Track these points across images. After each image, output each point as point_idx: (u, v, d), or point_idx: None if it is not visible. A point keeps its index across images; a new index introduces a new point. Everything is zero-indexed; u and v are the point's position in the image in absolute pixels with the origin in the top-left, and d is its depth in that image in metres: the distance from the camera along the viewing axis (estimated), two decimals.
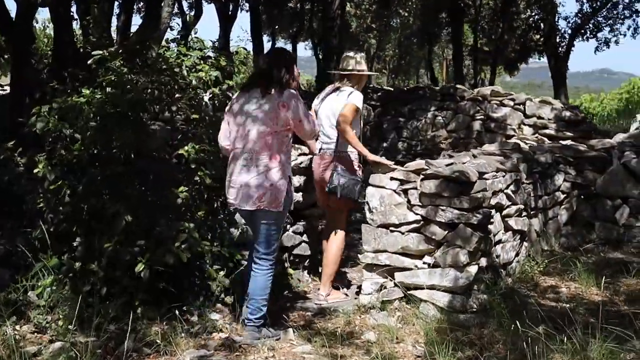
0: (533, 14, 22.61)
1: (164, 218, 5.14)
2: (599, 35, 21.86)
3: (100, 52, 5.18)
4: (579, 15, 21.66)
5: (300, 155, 6.61)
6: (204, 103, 5.62)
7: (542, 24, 21.84)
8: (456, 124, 11.31)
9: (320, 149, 6.05)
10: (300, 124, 4.92)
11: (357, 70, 6.02)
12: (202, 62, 5.66)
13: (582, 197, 7.47)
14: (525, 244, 6.48)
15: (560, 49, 21.37)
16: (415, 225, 5.54)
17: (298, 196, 6.48)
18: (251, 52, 18.36)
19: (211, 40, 5.84)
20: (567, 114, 10.63)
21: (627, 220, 7.30)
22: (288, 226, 6.43)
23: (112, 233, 5.04)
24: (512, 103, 11.16)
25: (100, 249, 5.00)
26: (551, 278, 6.43)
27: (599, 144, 7.50)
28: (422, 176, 5.53)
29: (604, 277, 6.11)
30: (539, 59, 23.54)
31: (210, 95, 5.73)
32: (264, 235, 5.01)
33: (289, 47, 37.65)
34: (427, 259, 5.51)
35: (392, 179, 5.69)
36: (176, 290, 5.33)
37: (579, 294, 6.01)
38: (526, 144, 10.90)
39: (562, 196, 7.25)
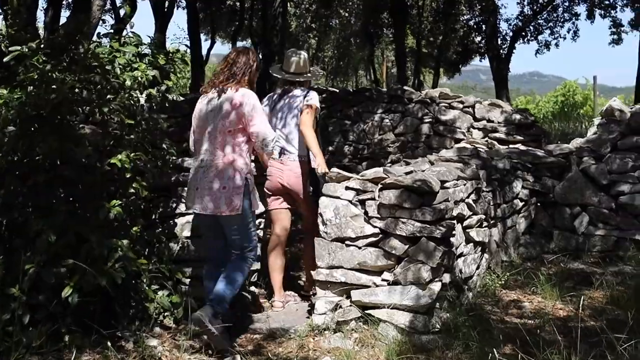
0: (475, 15, 22.56)
1: (94, 235, 4.56)
2: (540, 37, 22.01)
3: (19, 47, 4.56)
4: (520, 17, 21.72)
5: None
6: (139, 106, 5.05)
7: (483, 26, 21.80)
8: (404, 127, 10.93)
9: (281, 154, 5.82)
10: (251, 125, 4.84)
11: (306, 71, 5.88)
12: (138, 59, 5.09)
13: (540, 205, 7.16)
14: (485, 255, 6.11)
15: (501, 51, 21.36)
16: (373, 239, 5.10)
17: None
18: (188, 51, 17.69)
19: (149, 36, 5.27)
20: (517, 117, 10.35)
21: (586, 228, 7.03)
22: None
23: (35, 252, 4.44)
24: (461, 106, 10.85)
25: (22, 270, 4.39)
26: (513, 292, 6.09)
27: (557, 150, 7.21)
28: (380, 186, 5.10)
29: (566, 291, 5.83)
30: (480, 61, 23.54)
31: (147, 97, 5.17)
32: (233, 237, 4.97)
33: (227, 47, 36.85)
34: (386, 275, 5.08)
35: (347, 188, 5.24)
36: (108, 315, 4.77)
37: (543, 309, 5.68)
38: (476, 147, 10.66)
39: (521, 204, 6.93)
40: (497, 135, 10.45)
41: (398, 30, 19.67)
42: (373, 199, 5.10)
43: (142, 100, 5.07)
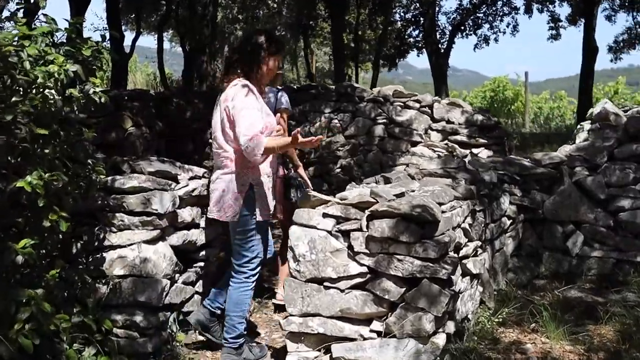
0: (413, 7, 21.77)
1: None
2: (479, 32, 21.41)
3: None
4: (459, 10, 21.04)
5: (191, 179, 4.97)
6: (55, 110, 3.83)
7: (422, 19, 21.02)
8: (355, 128, 9.90)
9: None
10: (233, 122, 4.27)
11: None
12: (53, 50, 3.86)
13: (527, 222, 6.25)
14: (479, 288, 5.16)
15: (440, 45, 20.63)
16: (359, 279, 4.06)
17: (190, 234, 4.84)
18: (108, 43, 16.14)
19: (67, 20, 4.04)
20: (479, 117, 9.52)
21: (580, 249, 6.16)
22: (176, 275, 4.76)
23: None
24: (417, 105, 9.93)
25: None
26: (510, 330, 5.15)
27: (545, 159, 6.31)
28: (368, 213, 4.05)
29: (569, 326, 4.95)
30: (418, 56, 22.75)
31: (66, 99, 3.94)
32: (234, 245, 4.53)
33: (152, 39, 35.02)
34: (376, 325, 4.04)
35: (325, 216, 4.18)
36: None
37: (549, 352, 4.76)
38: (434, 151, 9.76)
39: (509, 222, 5.99)
40: (457, 137, 9.61)
41: (336, 22, 18.64)
42: (360, 229, 4.05)
43: (60, 104, 3.84)
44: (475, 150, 9.42)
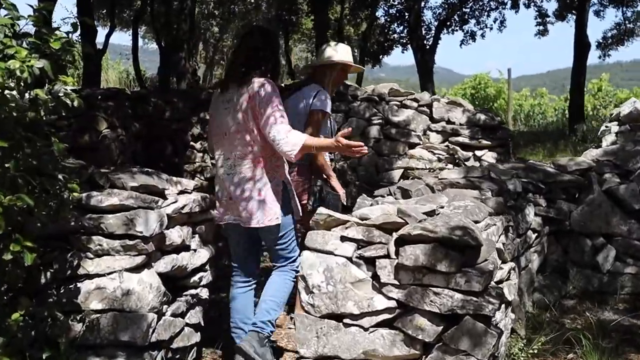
0: (397, 3, 21.09)
1: None
2: (465, 27, 20.80)
3: None
4: (444, 5, 20.43)
5: (181, 193, 4.27)
6: (18, 115, 3.11)
7: (407, 15, 20.37)
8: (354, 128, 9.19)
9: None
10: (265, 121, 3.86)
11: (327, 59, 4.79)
12: (14, 42, 3.14)
13: (551, 234, 5.63)
14: (511, 315, 4.52)
15: (426, 41, 20.01)
16: (387, 315, 3.42)
17: (180, 258, 4.14)
18: (78, 38, 15.28)
19: (31, 6, 3.32)
20: (482, 117, 8.90)
21: (612, 265, 5.55)
22: (164, 307, 4.05)
23: None
24: (415, 104, 9.27)
25: None
26: None
27: (571, 164, 5.69)
28: (396, 236, 3.39)
29: (611, 356, 4.34)
30: (402, 52, 22.08)
31: (31, 102, 3.22)
32: (275, 250, 4.10)
33: (124, 35, 34.10)
34: None
35: (344, 239, 3.51)
36: None
37: None
38: (434, 153, 9.13)
39: (534, 236, 5.37)
40: (459, 139, 8.98)
41: (319, 17, 17.94)
42: (387, 256, 3.39)
43: (24, 107, 3.13)
44: (478, 153, 8.81)
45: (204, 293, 4.45)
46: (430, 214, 3.66)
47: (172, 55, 16.31)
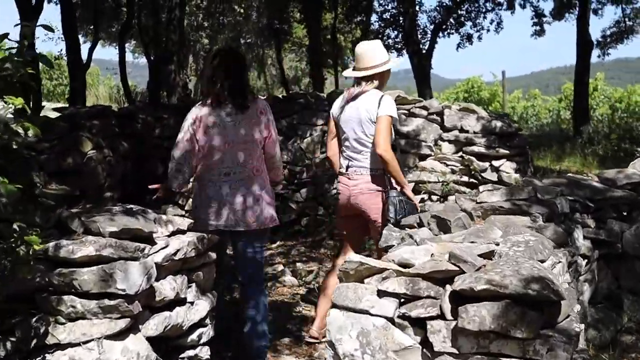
0: (390, 7, 20.34)
1: None
2: (461, 30, 20.06)
3: None
4: (439, 8, 19.67)
5: (173, 234, 3.51)
6: None
7: (401, 19, 19.64)
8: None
9: (348, 167, 4.75)
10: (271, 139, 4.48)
11: (375, 64, 4.72)
12: None
13: (601, 258, 4.88)
14: None
15: (422, 46, 19.28)
16: None
17: (174, 316, 3.38)
18: (64, 55, 14.48)
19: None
20: (498, 124, 8.15)
21: None
22: None
23: None
24: (425, 112, 8.52)
25: None
26: None
27: (621, 177, 4.97)
28: (451, 290, 2.64)
29: None
30: (398, 57, 21.30)
31: None
32: (258, 259, 4.42)
33: (112, 50, 33.36)
34: None
35: (382, 294, 2.76)
36: None
37: None
38: (447, 165, 8.40)
39: (584, 263, 4.62)
40: (474, 148, 8.22)
41: (312, 24, 17.22)
42: (441, 316, 2.63)
43: None
44: (495, 163, 8.06)
45: (205, 352, 3.69)
46: (488, 255, 2.91)
47: (162, 68, 15.54)
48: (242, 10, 27.08)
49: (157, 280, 3.23)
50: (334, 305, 2.82)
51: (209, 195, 4.30)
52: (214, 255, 3.76)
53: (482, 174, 8.17)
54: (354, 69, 4.83)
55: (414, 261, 2.84)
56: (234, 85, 4.31)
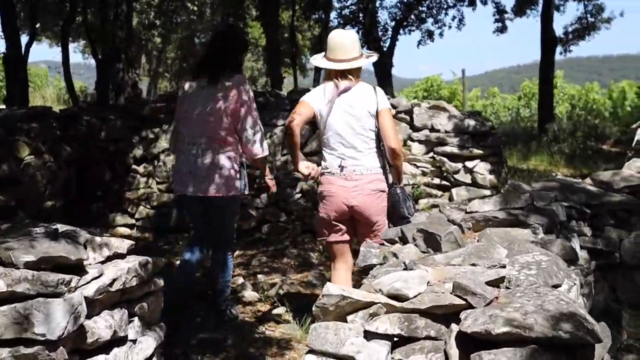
0: (349, 3, 19.82)
1: None
2: (423, 27, 19.63)
3: None
4: (399, 5, 19.25)
5: (108, 260, 2.88)
6: None
7: (361, 16, 19.14)
8: (318, 142, 7.83)
9: (342, 167, 4.36)
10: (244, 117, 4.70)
11: (358, 55, 4.45)
12: None
13: (597, 269, 4.40)
14: None
15: (383, 43, 18.82)
16: None
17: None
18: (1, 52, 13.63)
19: None
20: (471, 123, 7.66)
21: None
22: None
23: None
24: (393, 111, 8.00)
25: None
26: None
27: (617, 180, 4.48)
28: (458, 330, 2.09)
29: None
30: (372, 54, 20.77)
31: None
32: (226, 226, 4.95)
33: (56, 50, 32.34)
34: None
35: (370, 335, 2.20)
36: None
37: None
38: (417, 167, 7.89)
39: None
40: (446, 149, 7.72)
41: (269, 22, 16.60)
42: None
43: None
44: (468, 164, 7.57)
45: None
46: (497, 282, 2.37)
47: (110, 66, 14.79)
48: (195, 8, 26.40)
49: (88, 317, 2.61)
50: (310, 351, 2.24)
51: (180, 163, 4.81)
52: (160, 281, 3.15)
53: (455, 176, 7.69)
54: (328, 60, 4.44)
55: (406, 291, 2.28)
56: (209, 58, 4.75)
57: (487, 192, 7.51)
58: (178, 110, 4.91)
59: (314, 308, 2.31)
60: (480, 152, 7.63)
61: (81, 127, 8.33)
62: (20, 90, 11.82)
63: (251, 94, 4.72)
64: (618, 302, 4.53)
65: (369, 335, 2.19)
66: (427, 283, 2.38)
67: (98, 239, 2.83)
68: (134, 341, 2.92)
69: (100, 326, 2.67)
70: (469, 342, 2.05)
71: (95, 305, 2.66)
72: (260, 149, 4.76)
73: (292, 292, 5.89)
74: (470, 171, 7.68)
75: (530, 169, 12.40)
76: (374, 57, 4.63)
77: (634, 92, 28.07)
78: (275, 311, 5.36)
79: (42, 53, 48.21)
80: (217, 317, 5.01)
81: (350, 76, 4.39)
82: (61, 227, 2.87)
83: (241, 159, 4.81)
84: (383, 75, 18.32)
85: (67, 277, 2.48)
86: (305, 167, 4.51)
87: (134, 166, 8.41)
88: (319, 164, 4.60)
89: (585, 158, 13.47)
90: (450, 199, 7.66)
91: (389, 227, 4.29)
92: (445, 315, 2.20)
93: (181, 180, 4.75)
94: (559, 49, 19.21)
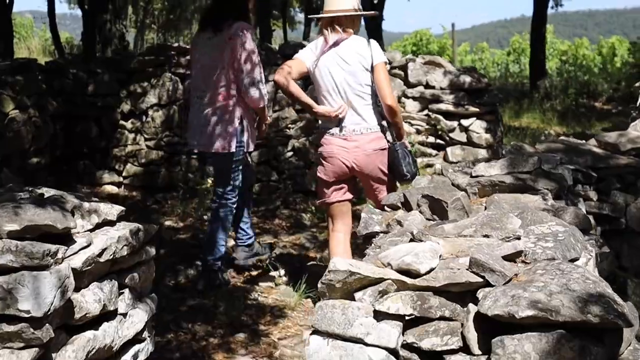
0: None
1: None
2: None
3: None
4: None
5: (97, 228, 2.71)
6: None
7: None
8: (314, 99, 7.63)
9: (341, 127, 4.23)
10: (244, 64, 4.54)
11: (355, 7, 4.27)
12: None
13: (603, 235, 4.28)
14: None
15: None
16: None
17: (101, 337, 2.60)
18: None
19: None
20: (467, 79, 7.46)
21: None
22: None
23: None
24: (388, 66, 7.78)
25: None
26: None
27: (624, 142, 4.33)
28: (475, 311, 1.95)
29: None
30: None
31: None
32: (224, 178, 4.86)
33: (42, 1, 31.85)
34: None
35: (381, 315, 2.05)
36: None
37: None
38: (412, 125, 7.71)
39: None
40: (441, 106, 7.55)
41: None
42: (463, 350, 1.94)
43: None
44: (464, 122, 7.40)
45: None
46: (513, 256, 2.22)
47: (97, 17, 14.36)
48: None
49: (76, 290, 2.44)
50: (315, 331, 2.09)
51: (189, 116, 4.84)
52: (152, 250, 2.98)
53: (450, 134, 7.53)
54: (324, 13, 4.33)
55: (418, 267, 2.13)
56: (214, 7, 4.72)
57: (483, 152, 7.38)
58: (190, 62, 5.02)
59: (319, 285, 2.15)
60: (476, 109, 7.47)
61: (67, 81, 8.06)
62: (4, 41, 11.41)
63: (251, 42, 4.56)
64: (623, 269, 4.43)
65: (379, 316, 2.05)
66: (439, 257, 2.23)
67: (87, 204, 2.65)
68: (124, 315, 2.76)
69: (89, 300, 2.51)
70: (488, 324, 1.91)
71: (83, 277, 2.49)
72: (260, 99, 4.66)
73: (284, 254, 5.76)
74: (465, 130, 7.52)
75: (523, 127, 12.25)
76: (371, 13, 4.54)
77: (624, 48, 27.81)
78: (269, 274, 5.23)
79: (28, 2, 47.11)
80: (207, 282, 4.84)
81: (338, 28, 4.24)
82: (47, 192, 2.69)
83: (246, 112, 4.72)
84: (373, 29, 17.93)
85: (53, 247, 2.31)
86: (325, 109, 4.30)
87: (122, 122, 8.17)
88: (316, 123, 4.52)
89: (578, 116, 13.33)
90: (445, 158, 7.52)
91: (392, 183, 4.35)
92: (460, 293, 2.06)
93: (190, 134, 4.86)
94: (550, 2, 18.89)
